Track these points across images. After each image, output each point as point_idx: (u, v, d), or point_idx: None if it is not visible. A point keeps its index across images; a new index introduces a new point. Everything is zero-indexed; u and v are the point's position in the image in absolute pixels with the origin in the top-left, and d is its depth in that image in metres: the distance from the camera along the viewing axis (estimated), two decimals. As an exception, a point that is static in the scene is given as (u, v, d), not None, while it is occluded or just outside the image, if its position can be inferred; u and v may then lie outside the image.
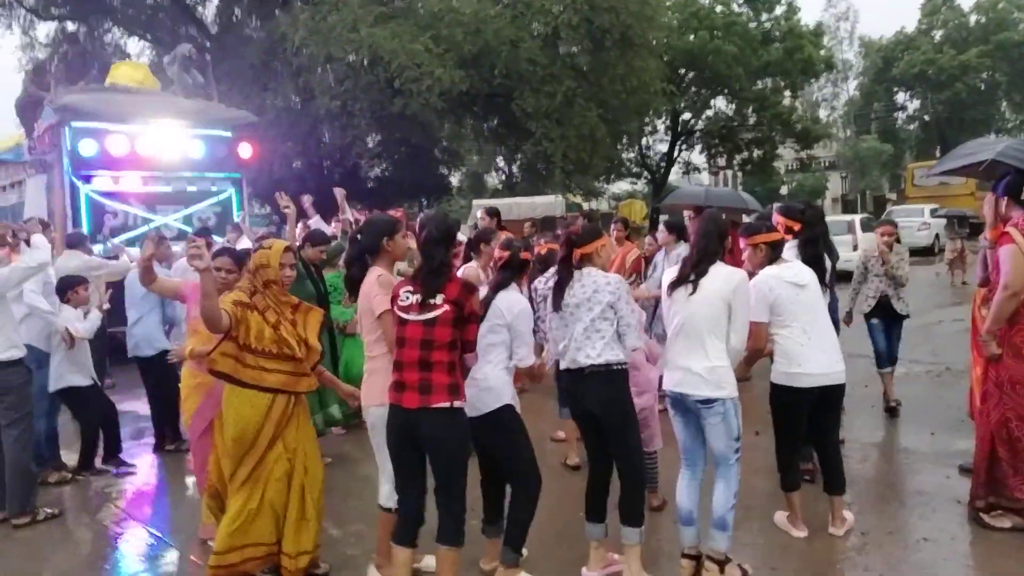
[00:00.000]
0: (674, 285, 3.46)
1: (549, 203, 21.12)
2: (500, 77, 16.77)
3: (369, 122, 16.42)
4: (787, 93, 29.32)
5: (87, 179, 9.00)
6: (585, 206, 33.61)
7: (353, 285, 3.56)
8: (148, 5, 19.57)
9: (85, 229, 8.64)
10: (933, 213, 21.74)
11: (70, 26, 19.82)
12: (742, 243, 3.91)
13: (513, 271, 3.62)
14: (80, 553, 4.34)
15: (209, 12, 20.60)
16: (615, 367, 3.41)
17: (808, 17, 30.06)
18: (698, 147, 31.67)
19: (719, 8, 26.76)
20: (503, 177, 44.30)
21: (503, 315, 3.41)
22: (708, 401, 3.35)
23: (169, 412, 5.79)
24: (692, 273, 3.40)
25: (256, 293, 3.50)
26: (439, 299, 3.11)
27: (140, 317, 5.88)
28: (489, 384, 3.38)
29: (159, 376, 5.79)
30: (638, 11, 17.01)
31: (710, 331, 3.36)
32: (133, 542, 4.39)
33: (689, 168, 33.19)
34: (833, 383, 3.75)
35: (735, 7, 27.36)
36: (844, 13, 41.54)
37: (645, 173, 31.43)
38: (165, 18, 19.52)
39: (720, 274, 3.40)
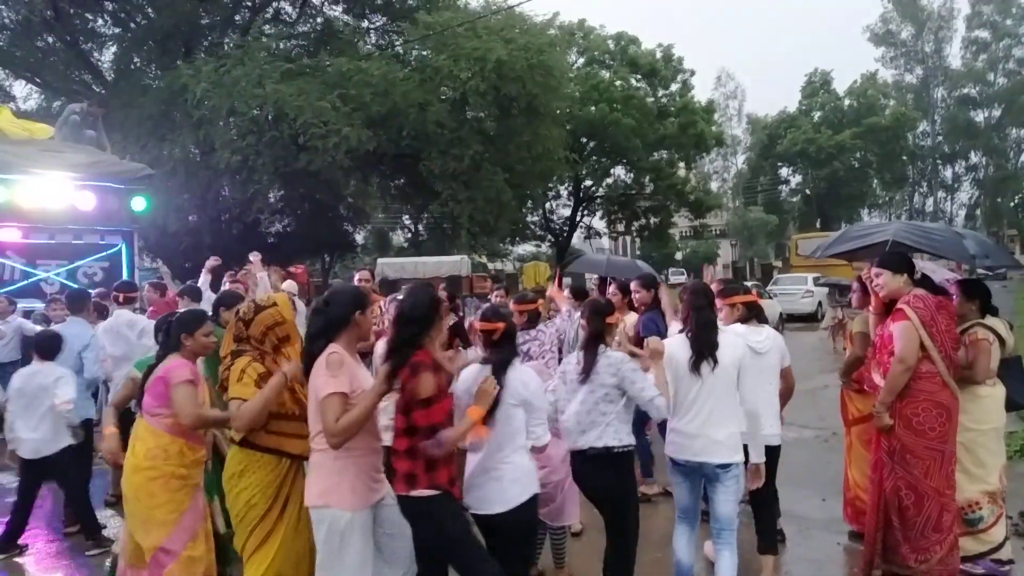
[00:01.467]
0: (697, 361, 3.53)
1: (455, 263, 21.20)
2: (408, 138, 16.93)
3: (272, 177, 16.10)
4: (681, 165, 30.93)
5: (-41, 229, 8.36)
6: (490, 267, 33.99)
7: (312, 362, 3.10)
8: (39, 48, 18.63)
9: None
10: (816, 281, 23.12)
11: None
12: (718, 302, 4.00)
13: (513, 344, 3.35)
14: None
15: (106, 58, 19.88)
16: (616, 450, 3.41)
17: (700, 94, 32.08)
18: (599, 213, 32.82)
19: (618, 82, 28.16)
20: (408, 235, 44.26)
21: (519, 392, 3.16)
22: (726, 465, 3.52)
23: (82, 490, 5.17)
24: (707, 347, 3.53)
25: (265, 356, 3.39)
26: (396, 384, 2.98)
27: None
28: (516, 475, 3.14)
29: (81, 447, 5.21)
30: (543, 82, 17.65)
31: (730, 399, 3.55)
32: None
33: (591, 232, 34.25)
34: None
35: (633, 82, 28.86)
36: (733, 92, 44.53)
37: (549, 236, 32.19)
38: (57, 62, 18.63)
39: (726, 343, 3.58)
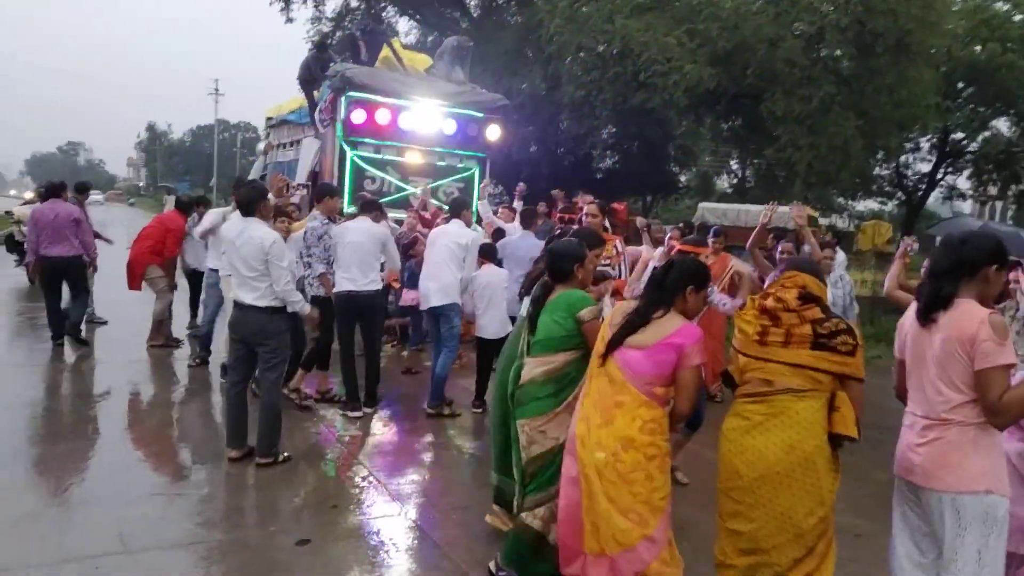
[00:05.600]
0: None
1: (782, 214, 19.87)
2: (752, 77, 16.02)
3: (609, 114, 16.47)
4: (1089, 120, 25.16)
5: (354, 145, 9.86)
6: (823, 222, 31.30)
7: (933, 306, 2.69)
8: (420, -13, 21.12)
9: (348, 191, 9.50)
10: None
11: (352, 3, 21.90)
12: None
13: None
14: (306, 495, 4.63)
15: (474, -3, 21.78)
16: None
17: None
18: (967, 171, 28.19)
19: (1018, 17, 23.46)
20: (734, 181, 42.56)
21: None
22: None
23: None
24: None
25: None
26: None
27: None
28: None
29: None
30: (920, 16, 15.38)
31: None
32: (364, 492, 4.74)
33: (952, 194, 29.69)
34: None
35: (1040, 15, 23.85)
36: None
37: (899, 193, 28.60)
38: (434, 0, 20.89)
39: None
